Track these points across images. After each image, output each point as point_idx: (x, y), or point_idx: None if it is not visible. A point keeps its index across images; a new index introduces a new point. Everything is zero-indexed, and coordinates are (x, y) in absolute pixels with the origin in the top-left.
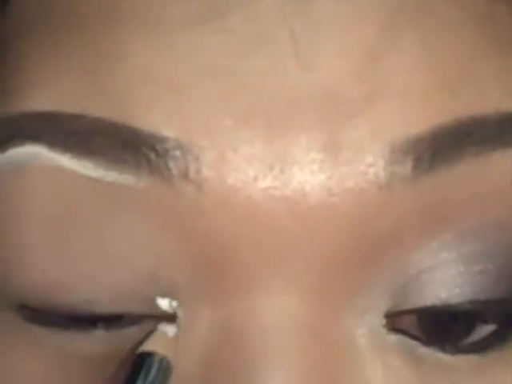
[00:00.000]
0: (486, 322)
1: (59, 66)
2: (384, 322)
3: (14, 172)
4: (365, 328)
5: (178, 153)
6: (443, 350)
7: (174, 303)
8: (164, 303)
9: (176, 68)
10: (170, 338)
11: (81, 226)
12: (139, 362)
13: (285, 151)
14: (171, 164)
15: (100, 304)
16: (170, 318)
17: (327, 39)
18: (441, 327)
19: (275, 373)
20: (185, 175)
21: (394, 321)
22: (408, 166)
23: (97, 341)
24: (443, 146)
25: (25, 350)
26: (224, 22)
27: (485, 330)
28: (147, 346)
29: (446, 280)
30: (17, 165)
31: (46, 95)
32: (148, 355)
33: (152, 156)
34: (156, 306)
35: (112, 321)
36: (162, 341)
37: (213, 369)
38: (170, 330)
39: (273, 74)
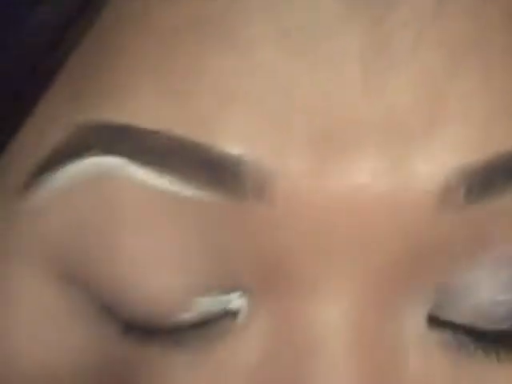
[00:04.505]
0: None
1: (138, 76)
2: (428, 320)
3: (90, 182)
4: (411, 327)
5: (252, 174)
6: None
7: (242, 299)
8: (232, 298)
9: (252, 88)
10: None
11: (156, 238)
12: None
13: (345, 171)
14: (247, 184)
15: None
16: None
17: (395, 66)
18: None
19: (335, 371)
20: (259, 195)
21: (438, 321)
22: (460, 194)
23: None
24: (497, 177)
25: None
26: (296, 42)
27: None
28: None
29: (484, 304)
30: (93, 175)
31: (124, 107)
32: None
33: (227, 176)
34: (222, 303)
35: None
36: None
37: (271, 364)
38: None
39: (339, 96)
